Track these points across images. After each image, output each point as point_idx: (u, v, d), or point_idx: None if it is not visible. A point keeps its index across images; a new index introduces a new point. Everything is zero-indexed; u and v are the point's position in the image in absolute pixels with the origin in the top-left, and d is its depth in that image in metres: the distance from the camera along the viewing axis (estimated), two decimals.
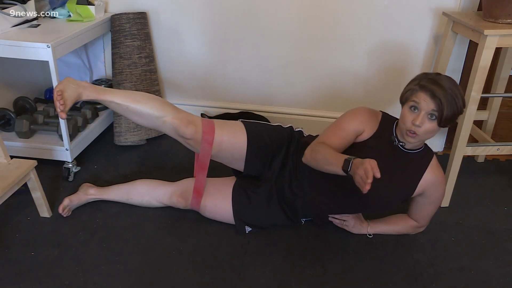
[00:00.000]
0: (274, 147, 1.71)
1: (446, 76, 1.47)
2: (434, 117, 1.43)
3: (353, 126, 1.59)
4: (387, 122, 1.60)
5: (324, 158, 1.46)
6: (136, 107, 1.54)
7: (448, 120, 1.43)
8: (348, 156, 1.40)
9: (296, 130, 1.80)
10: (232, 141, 1.65)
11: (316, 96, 2.41)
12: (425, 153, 1.59)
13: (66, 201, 1.77)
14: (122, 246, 1.65)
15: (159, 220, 1.78)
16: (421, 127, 1.44)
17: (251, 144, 1.67)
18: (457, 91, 1.44)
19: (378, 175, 1.28)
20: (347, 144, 1.59)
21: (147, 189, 1.81)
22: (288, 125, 1.80)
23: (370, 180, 1.28)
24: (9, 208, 1.81)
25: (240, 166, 1.73)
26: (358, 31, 2.22)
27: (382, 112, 1.64)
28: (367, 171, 1.29)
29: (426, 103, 1.43)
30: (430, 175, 1.59)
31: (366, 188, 1.29)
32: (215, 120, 1.68)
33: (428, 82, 1.44)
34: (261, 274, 1.55)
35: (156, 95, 2.37)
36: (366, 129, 1.59)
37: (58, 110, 1.50)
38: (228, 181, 1.76)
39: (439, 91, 1.40)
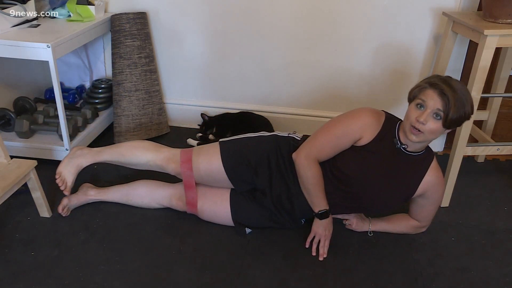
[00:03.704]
0: (254, 163, 1.67)
1: (458, 80, 1.46)
2: (439, 117, 1.42)
3: (349, 135, 1.56)
4: (390, 124, 1.58)
5: (310, 188, 1.59)
6: (126, 160, 1.75)
7: (453, 122, 1.42)
8: (327, 209, 1.61)
9: (285, 135, 1.73)
10: (208, 168, 1.68)
11: (316, 96, 2.41)
12: (426, 155, 1.59)
13: (65, 201, 1.78)
14: (122, 246, 1.65)
15: (159, 220, 1.78)
16: (425, 125, 1.43)
17: (228, 167, 1.66)
18: (467, 95, 1.43)
19: (321, 257, 1.63)
20: (340, 151, 1.60)
21: (146, 191, 1.81)
22: (272, 133, 1.76)
23: (313, 250, 1.65)
24: (9, 208, 1.81)
25: (229, 185, 1.71)
26: (358, 31, 2.22)
27: (386, 112, 1.61)
28: (321, 240, 1.65)
29: (433, 101, 1.41)
30: (431, 177, 1.59)
31: (313, 248, 1.65)
32: (194, 148, 1.75)
33: (439, 81, 1.43)
34: (261, 274, 1.55)
35: (156, 95, 2.38)
36: (365, 134, 1.56)
37: (61, 189, 1.74)
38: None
39: (449, 91, 1.39)
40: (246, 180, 1.69)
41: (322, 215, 1.62)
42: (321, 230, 1.65)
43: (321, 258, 1.63)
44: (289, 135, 1.73)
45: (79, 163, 1.77)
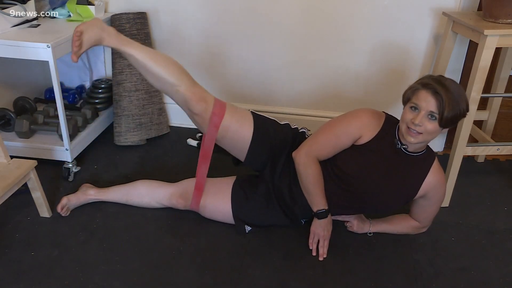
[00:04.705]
0: (277, 148, 1.69)
1: (451, 79, 1.46)
2: (434, 117, 1.42)
3: (349, 134, 1.57)
4: (390, 125, 1.58)
5: (310, 187, 1.59)
6: (154, 68, 1.50)
7: (449, 121, 1.42)
8: (325, 208, 1.62)
9: (300, 130, 1.77)
10: (238, 131, 1.61)
11: (316, 96, 2.41)
12: (427, 156, 1.59)
13: (64, 200, 1.77)
14: (122, 246, 1.65)
15: (159, 220, 1.78)
16: (422, 127, 1.43)
17: (255, 140, 1.63)
18: (461, 94, 1.43)
19: (321, 257, 1.63)
20: (340, 150, 1.60)
21: (146, 191, 1.81)
22: (295, 126, 1.77)
23: (313, 250, 1.65)
24: (9, 208, 1.81)
25: (241, 156, 1.69)
26: (358, 31, 2.22)
27: (386, 113, 1.61)
28: (320, 240, 1.65)
29: (426, 102, 1.41)
30: (432, 178, 1.59)
31: (313, 248, 1.65)
32: (228, 104, 1.63)
33: (432, 80, 1.43)
34: (261, 274, 1.55)
35: (156, 95, 2.38)
36: (364, 134, 1.56)
37: (72, 51, 1.46)
38: (228, 180, 1.76)
39: (442, 90, 1.39)
40: (260, 161, 1.69)
41: (321, 215, 1.62)
42: (320, 230, 1.65)
43: (321, 258, 1.63)
44: (302, 130, 1.76)
45: (102, 36, 1.51)
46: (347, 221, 1.77)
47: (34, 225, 1.73)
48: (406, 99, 1.50)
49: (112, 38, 1.52)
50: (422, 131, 1.44)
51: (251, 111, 1.70)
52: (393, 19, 2.17)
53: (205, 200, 1.73)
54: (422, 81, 1.45)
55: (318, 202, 1.61)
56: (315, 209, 1.62)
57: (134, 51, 1.50)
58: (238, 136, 1.62)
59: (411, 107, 1.46)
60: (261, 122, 1.67)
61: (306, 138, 1.72)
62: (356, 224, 1.75)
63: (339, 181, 1.60)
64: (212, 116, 1.56)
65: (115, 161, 2.19)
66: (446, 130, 1.49)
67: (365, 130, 1.56)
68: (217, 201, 1.72)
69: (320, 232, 1.65)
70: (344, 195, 1.62)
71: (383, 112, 1.62)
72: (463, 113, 1.44)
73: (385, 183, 1.57)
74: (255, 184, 1.72)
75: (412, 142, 1.48)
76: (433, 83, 1.41)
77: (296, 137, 1.73)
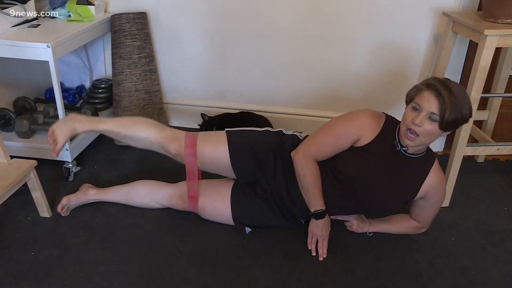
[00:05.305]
0: (259, 155, 1.68)
1: (457, 83, 1.45)
2: (435, 119, 1.41)
3: (348, 135, 1.56)
4: (390, 126, 1.57)
5: (308, 187, 1.59)
6: (125, 132, 1.65)
7: (449, 124, 1.41)
8: (323, 209, 1.61)
9: (290, 133, 1.75)
10: (213, 154, 1.66)
11: (316, 96, 2.41)
12: (427, 157, 1.58)
13: (64, 200, 1.78)
14: (122, 246, 1.65)
15: (159, 220, 1.78)
16: (421, 127, 1.42)
17: (233, 156, 1.66)
18: (465, 98, 1.42)
19: (320, 258, 1.63)
20: (340, 151, 1.60)
21: (146, 191, 1.81)
22: (277, 129, 1.77)
23: (313, 250, 1.65)
24: (9, 208, 1.81)
25: (232, 175, 1.71)
26: (357, 31, 2.22)
27: (386, 114, 1.61)
28: (319, 240, 1.65)
29: (428, 103, 1.41)
30: (432, 179, 1.58)
31: (312, 248, 1.65)
32: (199, 133, 1.71)
33: (436, 82, 1.42)
34: (261, 274, 1.55)
35: (156, 95, 2.38)
36: (364, 135, 1.55)
37: (50, 148, 1.64)
38: (227, 182, 1.76)
39: (445, 92, 1.38)
40: (250, 172, 1.69)
41: (318, 215, 1.62)
42: (317, 230, 1.65)
43: (321, 258, 1.63)
44: (294, 133, 1.74)
45: (74, 127, 1.66)
46: (347, 221, 1.77)
47: (34, 225, 1.73)
48: (409, 99, 1.50)
49: (85, 124, 1.67)
50: (421, 131, 1.43)
51: (226, 130, 1.72)
52: (393, 19, 2.17)
53: (204, 202, 1.72)
54: (427, 82, 1.45)
55: (315, 202, 1.61)
56: (312, 209, 1.62)
57: (105, 126, 1.67)
58: (215, 157, 1.66)
59: (413, 108, 1.46)
60: (234, 137, 1.69)
61: (300, 139, 1.72)
62: (356, 224, 1.75)
63: (338, 183, 1.60)
64: (186, 149, 1.65)
65: (115, 161, 2.19)
66: (445, 134, 1.48)
67: (365, 132, 1.56)
68: (216, 203, 1.72)
69: (318, 232, 1.65)
70: (343, 196, 1.62)
71: (383, 113, 1.62)
72: (465, 118, 1.43)
73: (384, 185, 1.57)
74: (254, 186, 1.72)
75: (408, 145, 1.49)
76: (437, 85, 1.41)
77: (286, 140, 1.71)
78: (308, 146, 1.60)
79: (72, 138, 2.05)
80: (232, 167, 1.67)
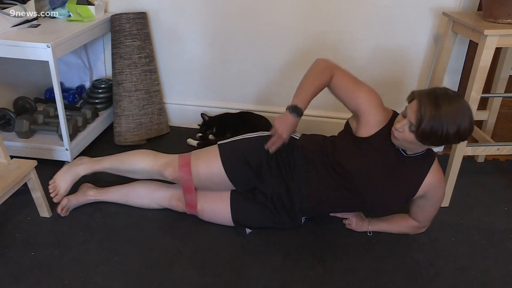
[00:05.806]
0: (254, 164, 1.67)
1: (459, 99, 1.39)
2: (412, 130, 1.42)
3: (363, 93, 1.58)
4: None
5: (305, 79, 1.61)
6: (124, 166, 1.76)
7: (425, 137, 1.39)
8: (301, 108, 1.55)
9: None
10: (208, 171, 1.67)
11: (316, 96, 2.40)
12: (427, 156, 1.58)
13: (64, 201, 1.78)
14: (122, 246, 1.65)
15: (159, 220, 1.78)
16: (401, 133, 1.45)
17: (228, 168, 1.66)
18: (454, 117, 1.36)
19: (271, 149, 1.59)
20: (350, 101, 1.60)
21: (146, 192, 1.81)
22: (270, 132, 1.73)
23: (268, 145, 1.59)
24: (9, 208, 1.81)
25: (230, 187, 1.71)
26: (357, 31, 2.22)
27: (394, 111, 1.62)
28: (274, 136, 1.57)
29: (411, 111, 1.42)
30: (431, 179, 1.59)
31: (270, 147, 1.59)
32: (192, 152, 1.73)
33: (428, 94, 1.41)
34: (261, 274, 1.55)
35: (156, 95, 2.38)
36: (369, 113, 1.55)
37: (51, 196, 1.75)
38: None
39: (429, 105, 1.37)
40: (247, 180, 1.69)
41: (293, 108, 1.55)
42: (281, 124, 1.55)
43: (266, 148, 1.61)
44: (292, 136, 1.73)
45: (77, 172, 1.79)
46: (346, 219, 1.77)
47: (34, 225, 1.73)
48: (408, 101, 1.51)
49: (87, 166, 1.79)
50: (400, 137, 1.46)
51: (218, 144, 1.73)
52: (393, 19, 2.17)
53: (203, 205, 1.73)
54: (421, 92, 1.44)
55: (300, 97, 1.57)
56: (292, 102, 1.56)
57: (105, 164, 1.78)
58: (210, 173, 1.67)
59: (403, 112, 1.48)
60: (227, 149, 1.69)
61: (295, 139, 1.71)
62: (355, 222, 1.75)
63: (340, 179, 1.60)
64: (180, 169, 1.68)
65: None
66: (435, 147, 1.46)
67: (373, 109, 1.56)
68: (216, 205, 1.72)
69: (278, 126, 1.56)
70: (344, 193, 1.62)
71: (392, 109, 1.63)
72: (446, 136, 1.37)
73: (384, 182, 1.57)
74: (253, 190, 1.71)
75: (393, 142, 1.51)
76: (425, 97, 1.40)
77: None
78: (337, 66, 1.62)
79: (72, 138, 2.05)
80: (229, 179, 1.67)
